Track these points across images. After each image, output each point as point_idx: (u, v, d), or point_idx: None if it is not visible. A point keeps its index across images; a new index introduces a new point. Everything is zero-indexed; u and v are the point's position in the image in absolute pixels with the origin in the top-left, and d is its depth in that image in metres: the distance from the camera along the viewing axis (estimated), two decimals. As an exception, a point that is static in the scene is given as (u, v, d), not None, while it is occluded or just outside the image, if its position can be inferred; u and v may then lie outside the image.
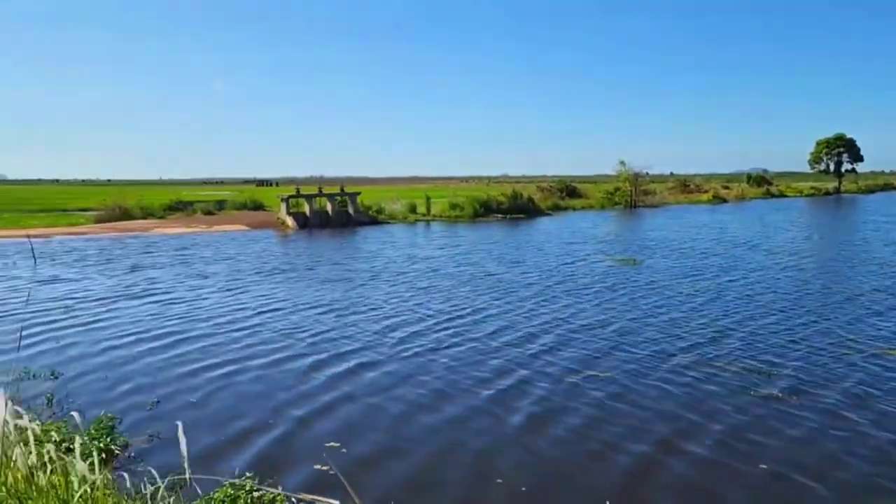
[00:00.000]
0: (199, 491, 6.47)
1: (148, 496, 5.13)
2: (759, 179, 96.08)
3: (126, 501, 5.68)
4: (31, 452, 5.25)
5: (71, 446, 7.35)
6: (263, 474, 7.40)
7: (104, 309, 16.75)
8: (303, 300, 17.70)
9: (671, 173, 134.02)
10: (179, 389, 10.43)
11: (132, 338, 13.74)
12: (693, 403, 9.68)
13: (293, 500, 6.73)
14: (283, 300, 17.77)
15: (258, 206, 57.22)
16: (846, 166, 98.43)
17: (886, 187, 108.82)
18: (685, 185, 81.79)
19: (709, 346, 12.75)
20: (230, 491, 6.77)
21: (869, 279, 20.21)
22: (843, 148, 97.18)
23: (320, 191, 46.24)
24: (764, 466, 7.66)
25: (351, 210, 45.05)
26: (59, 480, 5.09)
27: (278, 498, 6.77)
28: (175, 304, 17.39)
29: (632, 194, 63.43)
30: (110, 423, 8.66)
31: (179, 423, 4.94)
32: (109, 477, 6.44)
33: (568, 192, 67.29)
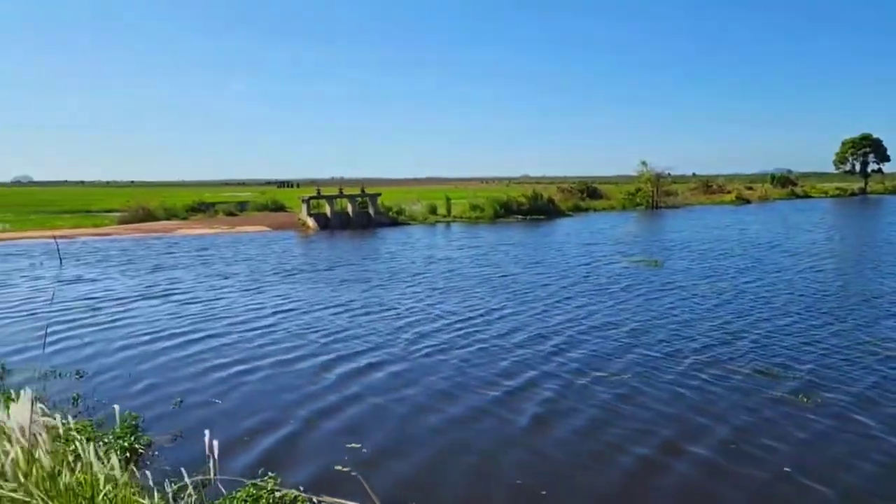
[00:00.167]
0: (223, 490, 6.51)
1: (172, 495, 5.14)
2: (784, 180, 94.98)
3: (150, 500, 5.60)
4: (57, 451, 5.31)
5: (96, 445, 7.47)
6: (282, 473, 7.42)
7: (126, 308, 16.94)
8: (320, 301, 17.78)
9: (693, 174, 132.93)
10: (201, 389, 10.51)
11: (153, 337, 13.89)
12: (703, 405, 9.60)
13: (314, 500, 6.74)
14: (302, 301, 17.86)
15: (279, 208, 57.64)
16: (872, 166, 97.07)
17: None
18: (708, 186, 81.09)
19: (722, 347, 12.64)
20: (252, 491, 6.80)
21: (889, 281, 19.91)
22: (869, 148, 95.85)
23: (341, 192, 46.44)
24: (772, 469, 7.58)
25: (371, 211, 45.19)
26: (85, 479, 5.12)
27: (299, 498, 6.78)
28: (195, 303, 17.56)
29: (653, 195, 62.96)
30: (134, 422, 8.74)
31: (207, 432, 4.98)
32: (134, 475, 6.52)
33: (589, 193, 66.97)
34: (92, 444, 7.35)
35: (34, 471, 4.96)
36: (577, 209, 57.76)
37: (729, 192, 76.70)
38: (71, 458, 5.53)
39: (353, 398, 10.07)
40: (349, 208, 44.77)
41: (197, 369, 11.57)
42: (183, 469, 5.32)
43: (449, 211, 49.37)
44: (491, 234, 38.02)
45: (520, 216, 49.45)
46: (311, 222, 42.36)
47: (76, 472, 5.19)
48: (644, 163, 64.12)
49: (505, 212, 49.45)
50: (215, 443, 4.86)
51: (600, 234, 36.58)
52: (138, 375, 11.23)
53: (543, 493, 7.15)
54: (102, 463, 5.19)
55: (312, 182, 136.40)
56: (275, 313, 16.20)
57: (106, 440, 7.81)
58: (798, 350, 12.39)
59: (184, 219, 49.70)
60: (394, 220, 45.94)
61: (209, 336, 13.95)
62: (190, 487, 5.03)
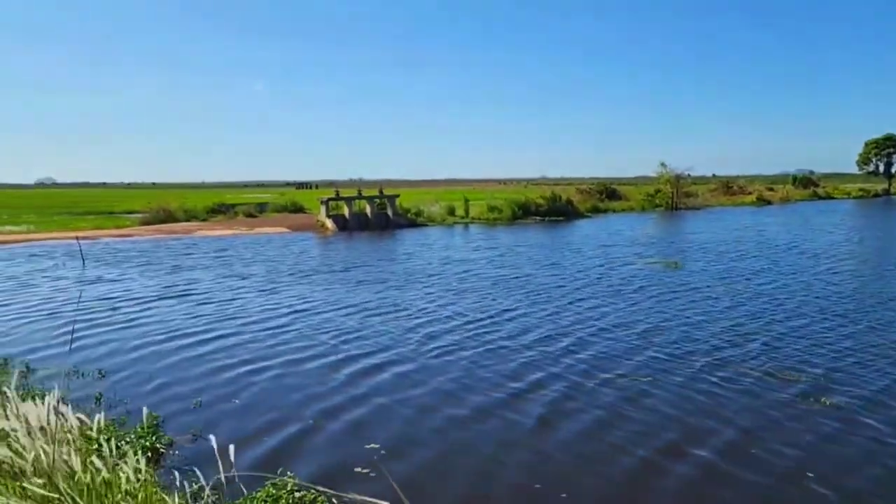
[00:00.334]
0: (244, 490, 6.56)
1: (192, 494, 5.18)
2: (805, 181, 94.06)
3: (172, 498, 5.64)
4: (82, 449, 5.39)
5: (119, 444, 7.56)
6: (300, 472, 7.46)
7: (145, 308, 17.13)
8: (336, 302, 17.86)
9: (713, 175, 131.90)
10: (219, 388, 10.62)
11: (172, 337, 14.05)
12: (711, 408, 9.55)
13: (333, 501, 6.77)
14: (317, 301, 17.96)
15: (298, 209, 57.96)
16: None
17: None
18: (728, 187, 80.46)
19: (735, 349, 12.57)
20: (272, 490, 6.85)
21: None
22: (893, 149, 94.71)
23: (359, 193, 46.57)
24: (780, 473, 7.52)
25: (390, 212, 45.29)
26: (109, 477, 5.19)
27: (319, 499, 6.82)
28: (212, 304, 17.72)
29: (673, 196, 62.53)
30: (155, 422, 8.83)
31: (213, 437, 4.99)
32: (155, 475, 6.58)
33: (608, 195, 66.72)
34: (115, 443, 7.52)
35: (60, 468, 5.03)
36: (596, 210, 57.51)
37: (750, 194, 76.06)
38: (95, 457, 5.55)
39: (366, 399, 10.11)
40: (368, 210, 44.92)
41: (215, 369, 11.68)
42: (203, 468, 5.35)
43: (467, 212, 49.35)
44: (508, 235, 37.98)
45: (538, 217, 49.33)
46: (329, 223, 42.56)
47: (100, 471, 5.23)
48: (663, 164, 63.83)
49: (523, 213, 49.36)
50: (233, 442, 4.87)
51: (618, 236, 36.42)
52: (158, 375, 11.35)
53: (549, 494, 7.15)
54: (125, 462, 5.25)
55: (331, 183, 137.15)
56: (291, 314, 16.31)
57: (128, 439, 7.88)
58: (811, 352, 12.28)
59: (204, 220, 50.12)
60: (412, 221, 46.02)
61: (226, 336, 14.09)
62: (210, 487, 5.05)
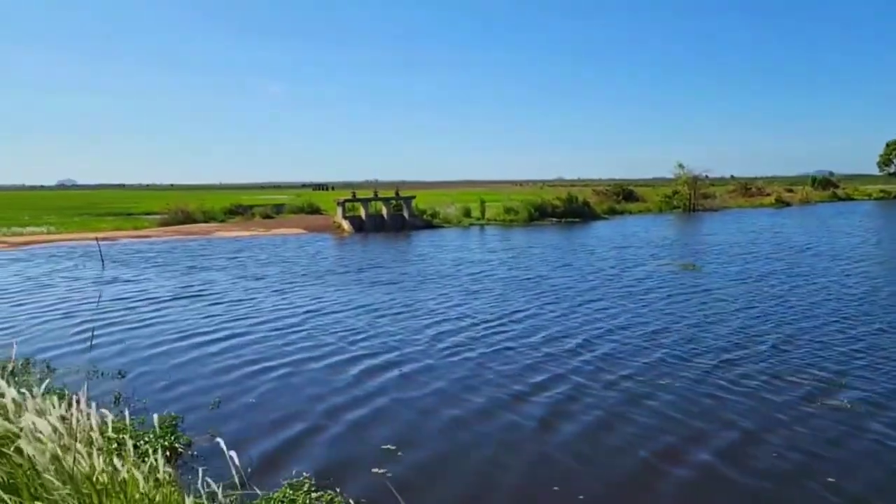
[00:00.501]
0: (258, 491, 6.57)
1: (209, 494, 5.22)
2: (825, 182, 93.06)
3: (189, 499, 5.65)
4: (102, 449, 5.39)
5: (138, 444, 7.63)
6: (316, 474, 7.47)
7: (162, 309, 17.28)
8: (350, 302, 17.93)
9: (732, 176, 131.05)
10: (236, 388, 10.68)
11: (189, 336, 14.17)
12: (719, 410, 9.48)
13: (349, 502, 6.78)
14: (332, 302, 18.05)
15: (315, 210, 58.20)
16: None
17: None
18: (747, 189, 79.76)
19: (746, 351, 12.48)
20: (289, 491, 6.88)
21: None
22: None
23: (376, 195, 46.68)
24: (820, 480, 7.41)
25: (406, 214, 45.34)
26: (128, 477, 5.22)
27: (336, 500, 6.83)
28: (228, 304, 17.85)
29: (690, 198, 62.07)
30: (173, 422, 8.89)
31: (221, 441, 5.02)
32: (174, 474, 6.61)
33: (625, 196, 66.35)
34: (134, 442, 7.57)
35: (80, 468, 5.06)
36: (613, 212, 57.19)
37: (768, 195, 75.29)
38: (115, 457, 5.59)
39: (379, 399, 10.15)
40: (384, 211, 45.02)
41: (230, 368, 11.77)
42: (220, 469, 5.38)
43: (483, 214, 49.29)
44: (524, 236, 37.92)
45: (554, 219, 49.18)
46: (346, 225, 42.69)
47: (120, 470, 5.27)
48: (681, 165, 63.39)
49: (539, 215, 49.22)
50: (250, 443, 4.90)
51: (634, 237, 36.25)
52: (175, 374, 11.44)
53: (554, 494, 7.13)
54: (144, 461, 5.36)
55: (348, 185, 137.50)
56: (305, 314, 16.40)
57: (147, 439, 7.94)
58: (822, 355, 12.17)
59: (221, 221, 50.46)
60: (428, 222, 46.04)
61: (241, 336, 14.19)
62: (227, 487, 5.07)
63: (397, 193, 47.69)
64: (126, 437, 7.61)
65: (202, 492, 5.30)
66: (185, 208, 50.52)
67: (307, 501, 6.77)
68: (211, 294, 19.47)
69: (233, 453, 5.11)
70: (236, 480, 5.07)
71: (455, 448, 8.42)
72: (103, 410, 6.22)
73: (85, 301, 18.42)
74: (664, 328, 14.43)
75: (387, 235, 39.64)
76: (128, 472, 5.23)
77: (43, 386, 6.85)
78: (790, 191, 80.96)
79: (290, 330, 14.72)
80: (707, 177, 68.13)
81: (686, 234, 39.04)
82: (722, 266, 24.08)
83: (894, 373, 11.02)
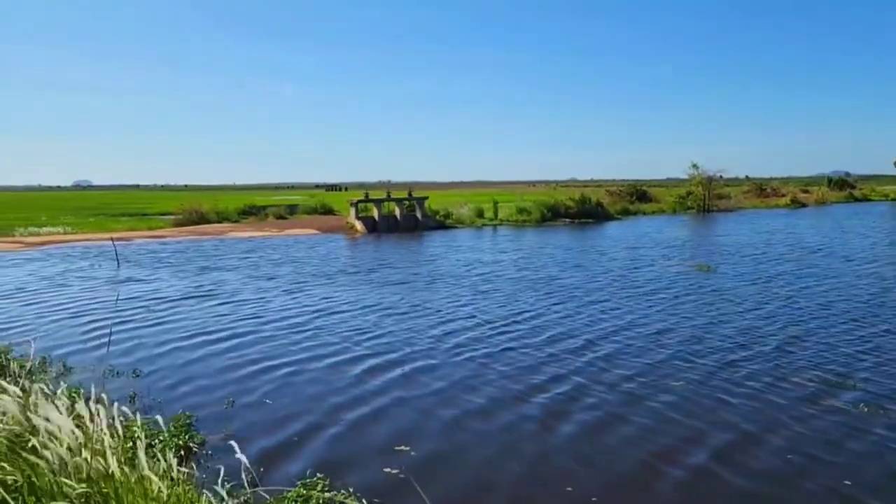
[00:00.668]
0: (270, 491, 6.60)
1: (225, 493, 5.23)
2: (841, 182, 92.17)
3: (203, 498, 5.74)
4: (117, 448, 5.46)
5: (153, 443, 7.66)
6: (329, 473, 7.47)
7: (176, 308, 17.39)
8: (361, 303, 17.96)
9: (746, 177, 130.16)
10: (249, 388, 10.72)
11: (202, 336, 14.23)
12: (751, 414, 9.37)
13: (363, 501, 6.79)
14: (343, 302, 18.09)
15: (328, 211, 58.38)
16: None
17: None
18: (761, 189, 79.15)
19: (756, 352, 12.38)
20: (302, 491, 6.88)
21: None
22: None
23: (388, 195, 46.72)
24: (821, 482, 7.35)
25: (419, 214, 45.38)
26: (143, 475, 5.25)
27: (349, 500, 6.84)
28: (242, 304, 17.95)
29: (705, 198, 61.71)
30: (188, 421, 8.92)
31: (235, 444, 5.04)
32: (188, 473, 6.64)
33: (638, 197, 66.11)
34: (149, 441, 7.61)
35: (97, 466, 5.11)
36: (626, 213, 56.95)
37: (784, 196, 74.61)
38: (129, 455, 5.67)
39: (392, 400, 10.15)
40: (397, 212, 45.08)
41: (243, 368, 11.83)
42: (235, 468, 5.41)
43: (496, 214, 49.24)
44: (537, 237, 37.84)
45: (567, 220, 49.04)
46: (358, 225, 42.77)
47: (135, 469, 5.33)
48: (695, 165, 63.01)
49: (552, 215, 49.11)
50: (263, 442, 4.93)
51: (648, 238, 36.09)
52: (190, 373, 11.52)
53: (560, 495, 7.11)
54: (159, 460, 5.37)
55: (360, 185, 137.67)
56: (316, 315, 16.44)
57: (162, 438, 7.96)
58: (833, 356, 12.06)
59: (235, 222, 50.72)
60: (441, 223, 46.05)
61: (254, 335, 14.25)
62: (241, 487, 5.08)
63: (410, 194, 47.71)
64: (141, 435, 7.70)
65: (218, 490, 5.31)
66: (199, 209, 50.82)
67: (321, 501, 6.78)
68: (223, 294, 19.57)
69: (243, 457, 5.19)
70: (249, 480, 5.11)
71: (466, 448, 8.40)
72: (120, 409, 6.30)
73: (100, 300, 18.56)
74: (673, 329, 14.35)
75: (400, 236, 39.68)
76: (143, 471, 5.24)
77: (61, 385, 6.94)
78: (806, 191, 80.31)
79: (300, 329, 14.78)
80: (721, 177, 67.70)
81: (699, 235, 38.81)
82: (743, 267, 23.86)
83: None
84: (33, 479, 4.98)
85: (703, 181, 62.56)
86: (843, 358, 11.94)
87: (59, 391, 6.15)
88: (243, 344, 13.56)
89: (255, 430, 8.89)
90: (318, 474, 7.37)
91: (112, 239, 32.60)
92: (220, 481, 5.30)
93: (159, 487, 5.20)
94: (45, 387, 6.65)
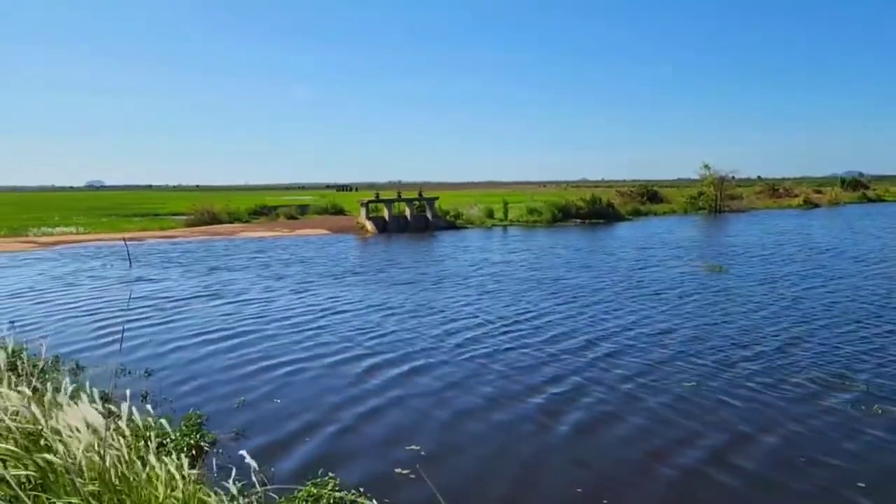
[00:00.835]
0: (282, 489, 6.62)
1: (235, 492, 5.23)
2: (854, 183, 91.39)
3: (215, 496, 5.72)
4: (128, 447, 5.47)
5: (164, 441, 7.67)
6: (339, 472, 7.49)
7: (187, 308, 17.49)
8: (369, 302, 18.03)
9: (759, 177, 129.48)
10: (259, 387, 10.78)
11: (212, 336, 14.31)
12: (750, 414, 9.35)
13: (373, 502, 6.78)
14: (351, 302, 18.17)
15: (339, 211, 58.47)
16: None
17: None
18: (774, 190, 78.64)
19: (772, 354, 12.31)
20: (313, 490, 6.88)
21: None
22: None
23: (399, 196, 46.76)
24: (816, 481, 7.34)
25: (429, 215, 45.37)
26: (154, 475, 5.27)
27: (360, 499, 6.83)
28: (250, 304, 18.05)
29: (716, 199, 61.35)
30: (199, 421, 8.95)
31: (245, 453, 5.07)
32: (199, 472, 6.65)
33: (649, 197, 65.83)
34: (160, 440, 7.63)
35: (109, 465, 5.12)
36: (637, 213, 56.70)
37: (796, 196, 74.06)
38: (141, 455, 5.67)
39: (397, 399, 10.18)
40: (407, 212, 45.10)
41: (253, 367, 11.90)
42: (245, 467, 5.43)
43: (506, 215, 49.19)
44: (547, 238, 37.75)
45: (578, 220, 48.91)
46: (369, 225, 42.82)
47: (146, 468, 5.34)
48: (707, 166, 62.62)
49: (563, 216, 48.98)
50: (274, 441, 4.94)
51: (658, 239, 35.97)
52: (201, 373, 11.58)
53: (583, 497, 7.10)
54: (170, 460, 5.34)
55: (371, 186, 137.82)
56: (325, 314, 16.51)
57: (173, 437, 7.99)
58: (850, 358, 11.98)
59: (246, 222, 50.90)
60: (451, 223, 46.05)
61: (262, 335, 14.32)
62: (252, 486, 5.09)
63: (420, 194, 47.73)
64: (153, 434, 7.72)
65: (229, 489, 5.31)
66: (210, 209, 51.04)
67: (332, 500, 6.78)
68: (232, 293, 19.65)
69: (252, 459, 5.17)
70: (260, 479, 5.11)
71: (475, 446, 8.40)
72: (132, 407, 6.32)
73: (112, 300, 18.67)
74: (690, 330, 14.29)
75: (410, 236, 39.70)
76: (155, 469, 5.27)
77: (73, 384, 6.99)
78: (819, 192, 79.68)
79: (309, 329, 14.84)
80: (733, 177, 67.28)
81: (710, 236, 38.66)
82: (753, 268, 23.75)
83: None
84: (46, 476, 4.97)
85: (714, 181, 62.22)
86: (844, 359, 11.89)
87: (71, 390, 6.17)
88: (253, 343, 13.62)
89: (264, 429, 8.91)
90: (329, 473, 7.37)
91: (124, 239, 32.77)
92: (231, 480, 5.29)
93: (170, 486, 5.20)
94: (57, 385, 6.68)
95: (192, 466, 6.81)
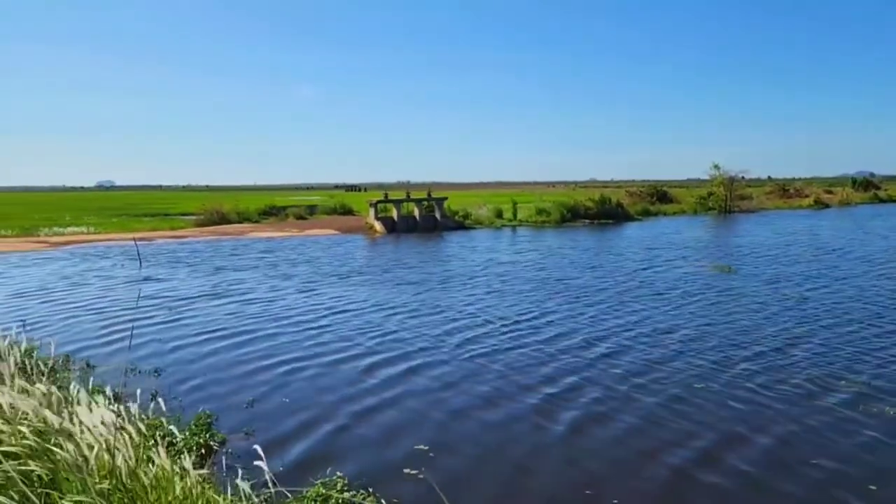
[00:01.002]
0: (291, 489, 6.60)
1: (244, 492, 5.26)
2: (866, 183, 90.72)
3: (224, 496, 5.81)
4: (138, 447, 5.48)
5: (174, 441, 7.70)
6: (348, 473, 7.47)
7: (196, 307, 17.52)
8: (375, 303, 17.99)
9: (769, 177, 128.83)
10: (267, 387, 10.78)
11: (219, 335, 14.33)
12: (745, 414, 9.31)
13: (382, 502, 6.79)
14: (357, 302, 18.15)
15: (348, 211, 58.49)
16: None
17: None
18: (784, 190, 78.21)
19: (778, 355, 12.20)
20: (322, 490, 6.88)
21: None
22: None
23: (408, 196, 46.75)
24: (808, 482, 7.33)
25: (438, 215, 45.35)
26: (164, 474, 5.31)
27: (368, 500, 6.84)
28: (257, 303, 18.06)
29: (726, 199, 61.05)
30: (208, 420, 8.97)
31: (253, 442, 5.06)
32: (208, 472, 6.66)
33: (659, 197, 65.54)
34: (170, 440, 7.64)
35: (117, 466, 5.15)
36: (647, 213, 56.44)
37: (807, 196, 73.60)
38: (151, 454, 5.69)
39: (401, 399, 10.16)
40: (416, 212, 45.08)
41: (261, 366, 11.90)
42: (254, 467, 5.44)
43: (515, 215, 49.10)
44: (555, 238, 37.62)
45: (587, 220, 48.76)
46: (378, 226, 42.83)
47: (155, 468, 5.37)
48: (716, 166, 62.27)
49: (571, 216, 48.83)
50: (281, 440, 4.95)
51: (667, 239, 35.82)
52: (209, 372, 11.59)
53: (578, 500, 7.08)
54: (179, 459, 5.48)
55: (380, 186, 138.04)
56: (331, 314, 16.51)
57: (183, 437, 8.02)
58: (856, 359, 11.86)
59: (255, 222, 51.01)
60: (460, 223, 46.01)
61: (270, 335, 14.32)
62: (261, 485, 5.10)
63: (429, 194, 47.70)
64: (163, 434, 7.72)
65: (239, 489, 5.34)
66: (220, 209, 51.16)
67: (340, 501, 6.78)
68: (240, 293, 19.67)
69: (262, 461, 5.17)
70: (270, 479, 5.13)
71: (485, 449, 8.37)
72: (142, 407, 6.34)
73: (122, 300, 18.73)
74: (695, 330, 14.22)
75: (419, 236, 39.68)
76: (165, 469, 5.32)
77: (83, 383, 7.03)
78: (829, 192, 79.17)
79: (317, 329, 14.83)
80: (743, 178, 66.96)
81: (719, 236, 38.43)
82: (760, 268, 23.55)
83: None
84: (57, 475, 5.02)
85: (724, 182, 61.88)
86: (874, 360, 11.80)
87: (81, 390, 6.21)
88: (260, 343, 13.61)
89: (273, 429, 8.91)
90: (338, 473, 7.38)
91: (135, 239, 32.92)
92: (240, 480, 5.33)
93: (181, 486, 5.23)
94: (68, 384, 6.71)
95: (201, 466, 6.91)
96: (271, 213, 55.25)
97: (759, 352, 12.41)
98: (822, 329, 14.14)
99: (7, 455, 4.88)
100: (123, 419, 5.54)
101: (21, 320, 14.82)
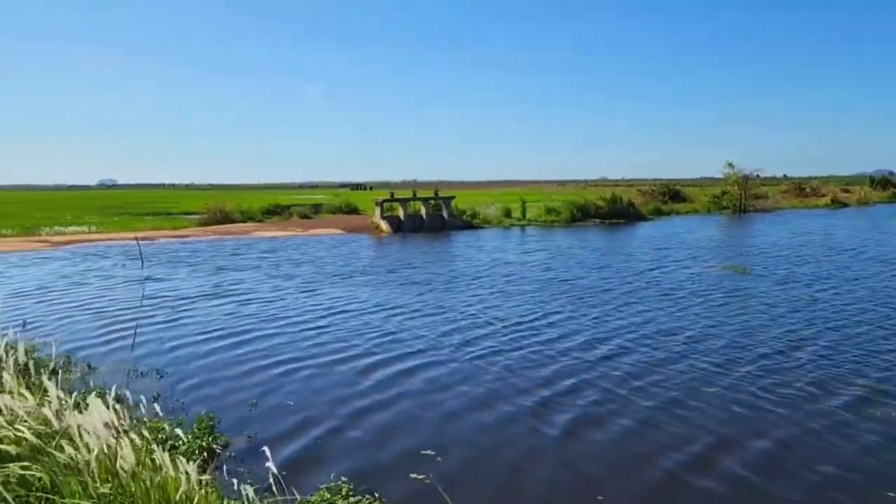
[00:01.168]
0: (296, 494, 6.41)
1: (247, 496, 5.09)
2: (884, 182, 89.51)
3: (227, 500, 5.83)
4: (140, 450, 5.40)
5: (176, 444, 7.54)
6: (352, 478, 7.27)
7: (198, 308, 17.30)
8: (378, 303, 17.78)
9: (785, 176, 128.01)
10: (269, 388, 10.61)
11: (222, 335, 14.15)
12: (746, 418, 9.12)
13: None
14: (360, 302, 17.96)
15: (353, 210, 57.93)
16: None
17: None
18: (800, 189, 77.05)
19: (785, 357, 11.98)
20: (327, 495, 6.74)
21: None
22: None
23: (414, 195, 46.09)
24: (806, 486, 7.16)
25: (445, 214, 44.74)
26: (166, 477, 5.20)
27: (374, 504, 6.66)
28: (260, 304, 17.85)
29: (741, 198, 60.23)
30: (211, 423, 8.75)
31: (257, 447, 4.81)
32: (211, 477, 6.41)
33: (671, 196, 64.75)
34: (172, 443, 7.49)
35: (119, 468, 5.07)
36: (659, 213, 55.69)
37: (824, 195, 72.42)
38: (153, 457, 5.53)
39: (412, 403, 9.96)
40: (423, 211, 44.43)
41: (264, 368, 11.70)
42: (258, 471, 5.07)
43: (524, 214, 48.57)
44: (565, 238, 37.23)
45: (597, 220, 48.11)
46: (384, 225, 42.21)
47: (158, 471, 5.29)
48: (731, 164, 61.52)
49: (582, 215, 48.18)
50: (285, 444, 4.63)
51: (679, 239, 35.46)
52: (211, 373, 11.40)
53: (574, 497, 7.01)
54: (182, 463, 5.27)
55: (386, 185, 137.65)
56: (334, 315, 16.31)
57: (185, 439, 7.81)
58: (866, 362, 11.61)
59: (259, 221, 50.50)
60: (468, 223, 45.40)
61: (272, 336, 14.14)
62: (265, 489, 5.22)
63: (436, 193, 47.01)
64: (165, 437, 7.61)
65: (242, 494, 5.16)
66: (223, 208, 50.71)
67: (345, 506, 6.61)
68: (242, 293, 19.45)
69: (270, 462, 5.12)
70: (274, 483, 5.16)
71: (480, 451, 8.21)
72: (144, 409, 6.48)
73: (122, 300, 18.51)
74: (702, 333, 13.93)
75: (425, 236, 39.19)
76: (167, 472, 5.22)
77: (84, 385, 6.78)
78: (847, 191, 78.00)
79: (318, 330, 14.62)
80: (758, 176, 66.10)
81: (732, 236, 38.10)
82: (771, 269, 23.24)
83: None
84: (58, 478, 4.97)
85: (738, 180, 61.06)
86: (852, 364, 11.57)
87: (83, 392, 5.92)
88: (262, 344, 13.42)
89: (277, 432, 8.73)
90: (343, 478, 7.21)
91: (137, 238, 32.29)
92: (243, 486, 5.19)
93: (183, 489, 5.11)
94: (69, 386, 6.56)
95: (203, 470, 6.66)
96: (275, 212, 54.76)
97: (763, 354, 12.20)
98: (830, 331, 13.90)
99: (7, 458, 4.96)
100: (125, 422, 5.50)
101: (23, 321, 14.61)
